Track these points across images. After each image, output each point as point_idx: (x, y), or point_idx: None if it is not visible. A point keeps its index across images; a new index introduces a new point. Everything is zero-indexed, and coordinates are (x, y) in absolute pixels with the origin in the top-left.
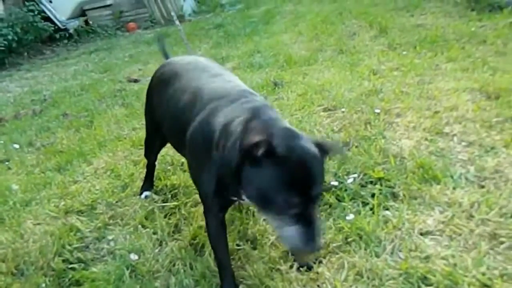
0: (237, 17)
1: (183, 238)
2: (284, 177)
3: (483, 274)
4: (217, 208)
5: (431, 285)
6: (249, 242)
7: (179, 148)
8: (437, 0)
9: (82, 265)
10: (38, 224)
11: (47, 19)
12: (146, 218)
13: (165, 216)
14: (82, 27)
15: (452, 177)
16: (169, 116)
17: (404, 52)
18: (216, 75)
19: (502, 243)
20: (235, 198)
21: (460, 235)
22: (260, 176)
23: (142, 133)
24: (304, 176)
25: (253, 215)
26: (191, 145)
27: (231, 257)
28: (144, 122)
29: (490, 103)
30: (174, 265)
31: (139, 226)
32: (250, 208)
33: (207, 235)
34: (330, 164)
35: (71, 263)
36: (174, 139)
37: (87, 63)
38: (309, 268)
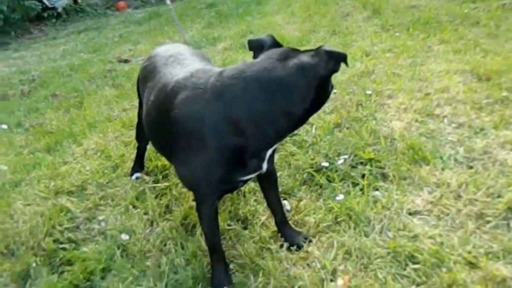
0: None
1: (174, 219)
2: None
3: (469, 252)
4: (216, 196)
5: (418, 263)
6: (240, 222)
7: (159, 145)
8: None
9: (73, 245)
10: (28, 204)
11: None
12: (137, 199)
13: (156, 197)
14: (70, 6)
15: (441, 158)
16: (146, 112)
17: (397, 34)
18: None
19: (488, 222)
20: (244, 178)
21: (447, 214)
22: None
23: (133, 114)
24: None
25: (244, 196)
26: (179, 134)
27: (222, 236)
28: (134, 103)
29: (480, 85)
30: (165, 245)
31: (130, 206)
32: (241, 188)
33: (199, 222)
34: (321, 146)
35: (61, 243)
36: (154, 137)
37: (76, 43)
38: (299, 247)
